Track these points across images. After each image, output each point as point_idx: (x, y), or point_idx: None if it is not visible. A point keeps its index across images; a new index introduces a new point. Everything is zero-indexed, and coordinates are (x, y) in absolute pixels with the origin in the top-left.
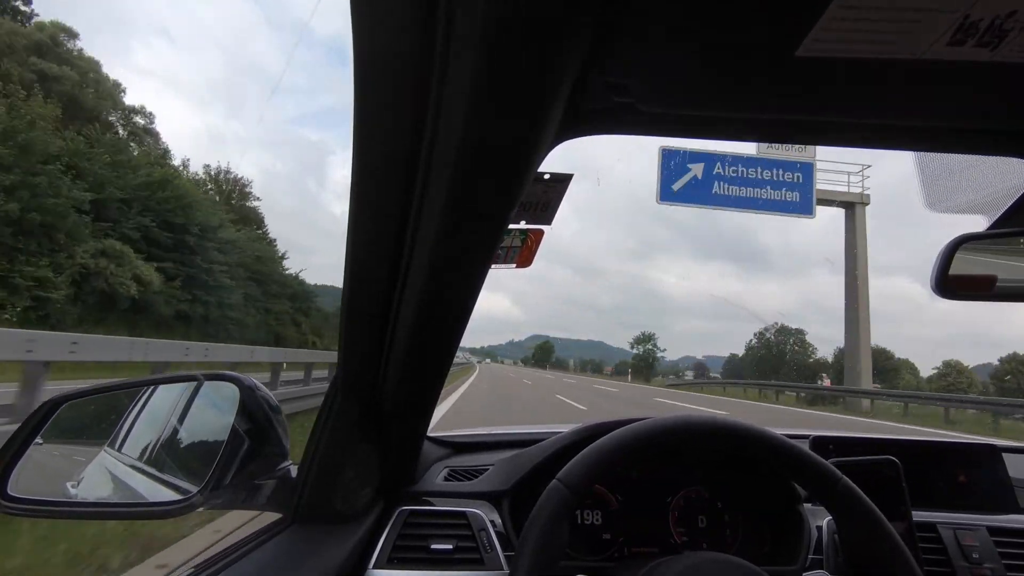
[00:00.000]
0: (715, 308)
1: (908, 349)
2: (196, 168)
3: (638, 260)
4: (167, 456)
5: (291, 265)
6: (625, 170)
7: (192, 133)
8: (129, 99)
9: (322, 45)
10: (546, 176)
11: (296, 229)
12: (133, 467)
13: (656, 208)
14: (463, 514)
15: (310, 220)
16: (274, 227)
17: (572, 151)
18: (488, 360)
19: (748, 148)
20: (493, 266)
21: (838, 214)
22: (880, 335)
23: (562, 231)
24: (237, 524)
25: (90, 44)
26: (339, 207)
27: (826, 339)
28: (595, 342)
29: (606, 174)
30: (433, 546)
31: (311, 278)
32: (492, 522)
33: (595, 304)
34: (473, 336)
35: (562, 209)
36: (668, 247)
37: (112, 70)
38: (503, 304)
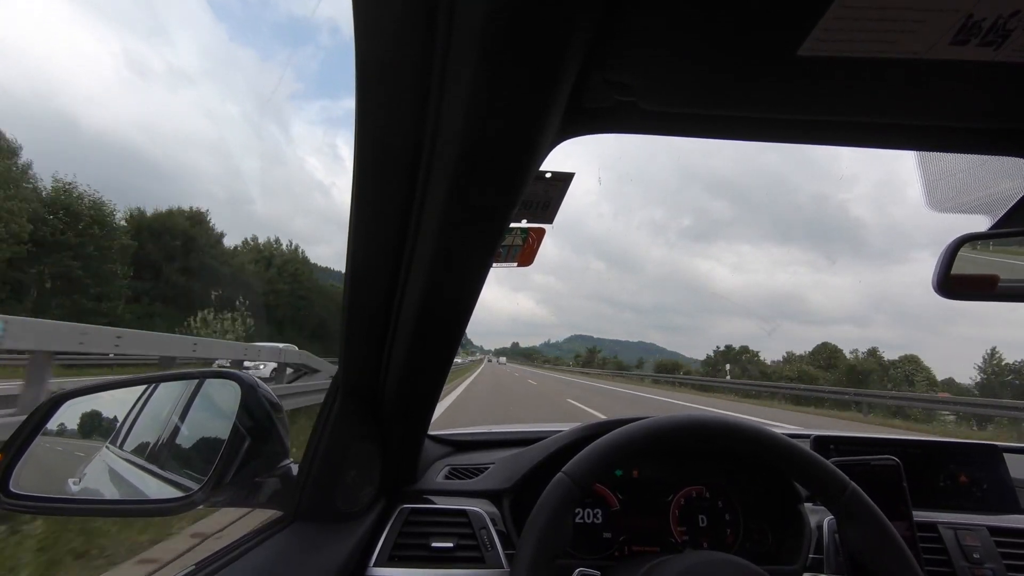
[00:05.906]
0: (770, 304)
1: None
2: None
3: (694, 242)
4: (168, 453)
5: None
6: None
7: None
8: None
9: None
10: (547, 175)
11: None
12: (135, 464)
13: (716, 179)
14: (464, 512)
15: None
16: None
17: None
18: (503, 359)
19: None
20: (494, 265)
21: None
22: None
23: (602, 211)
24: None
25: None
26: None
27: (886, 343)
28: (645, 343)
29: (649, 143)
30: (434, 544)
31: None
32: (493, 520)
33: (635, 303)
34: (500, 337)
35: (591, 197)
36: (730, 226)
37: None
38: (528, 304)
